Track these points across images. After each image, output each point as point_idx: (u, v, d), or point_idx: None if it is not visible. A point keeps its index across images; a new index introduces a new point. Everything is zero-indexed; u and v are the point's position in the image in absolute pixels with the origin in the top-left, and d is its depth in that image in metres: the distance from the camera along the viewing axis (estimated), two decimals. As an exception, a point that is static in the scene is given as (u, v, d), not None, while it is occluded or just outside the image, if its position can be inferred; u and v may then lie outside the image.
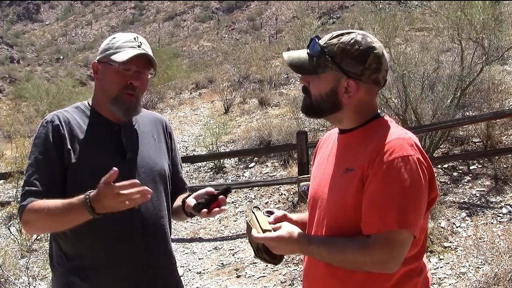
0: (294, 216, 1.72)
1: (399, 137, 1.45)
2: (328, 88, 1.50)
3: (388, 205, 1.38)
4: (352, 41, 1.47)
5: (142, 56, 1.81)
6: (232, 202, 7.47)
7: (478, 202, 5.74)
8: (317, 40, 1.52)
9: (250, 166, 8.65)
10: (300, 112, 1.74)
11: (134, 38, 1.85)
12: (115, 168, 1.56)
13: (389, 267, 1.40)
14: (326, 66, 1.49)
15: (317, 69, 1.50)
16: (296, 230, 1.49)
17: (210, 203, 1.75)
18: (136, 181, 1.59)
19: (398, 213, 1.37)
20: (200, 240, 6.32)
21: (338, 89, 1.50)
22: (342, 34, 1.51)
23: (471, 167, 6.59)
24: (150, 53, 1.85)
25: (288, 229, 1.49)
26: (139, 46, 1.82)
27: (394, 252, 1.38)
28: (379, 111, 1.57)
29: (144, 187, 1.59)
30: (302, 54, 1.55)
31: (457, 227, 5.21)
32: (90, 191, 1.63)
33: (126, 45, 1.82)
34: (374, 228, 1.39)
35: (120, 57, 1.78)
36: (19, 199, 1.81)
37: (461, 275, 4.27)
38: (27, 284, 4.43)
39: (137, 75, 1.82)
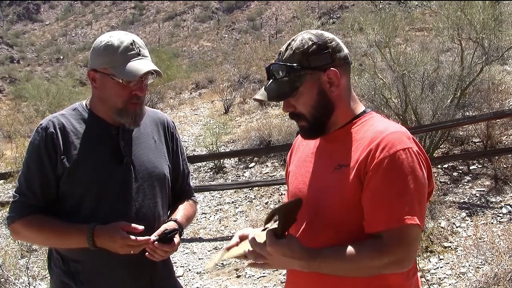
0: (251, 230, 1.62)
1: (396, 131, 1.43)
2: (314, 94, 1.48)
3: (394, 200, 1.35)
4: (303, 41, 1.48)
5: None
6: (232, 202, 7.47)
7: (478, 202, 5.74)
8: (277, 62, 1.50)
9: (250, 166, 8.65)
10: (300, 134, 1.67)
11: (131, 44, 1.74)
12: (140, 227, 1.70)
13: (406, 265, 1.37)
14: (301, 76, 1.47)
15: (295, 84, 1.47)
16: (295, 243, 1.36)
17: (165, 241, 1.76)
18: (150, 239, 1.71)
19: (405, 207, 1.34)
20: (200, 240, 6.32)
21: (323, 88, 1.48)
22: (289, 44, 1.51)
23: (471, 167, 6.59)
24: (149, 56, 1.80)
25: (288, 241, 1.37)
26: (138, 54, 1.74)
27: (410, 248, 1.36)
28: (364, 108, 1.57)
29: (155, 244, 1.73)
30: (272, 85, 1.51)
31: (457, 227, 5.21)
32: (94, 224, 1.69)
33: (127, 56, 1.72)
34: (381, 225, 1.35)
35: (126, 75, 1.71)
36: (10, 205, 1.81)
37: (461, 275, 4.27)
38: (27, 284, 4.43)
39: (140, 85, 1.76)
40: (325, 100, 1.49)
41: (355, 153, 1.44)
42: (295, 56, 1.47)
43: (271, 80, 1.51)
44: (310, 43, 1.47)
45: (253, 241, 1.39)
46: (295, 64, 1.46)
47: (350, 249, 1.35)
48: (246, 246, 1.49)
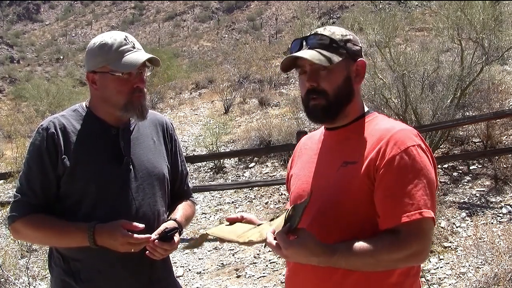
0: (254, 217, 1.65)
1: (404, 128, 1.47)
2: (342, 76, 1.52)
3: (409, 195, 1.37)
4: (341, 30, 1.56)
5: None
6: (232, 202, 7.48)
7: (478, 202, 5.74)
8: (319, 33, 1.53)
9: (250, 166, 8.65)
10: (307, 116, 1.59)
11: (125, 39, 1.78)
12: (141, 225, 1.71)
13: (423, 258, 1.40)
14: (339, 53, 1.50)
15: (333, 58, 1.49)
16: (310, 240, 1.34)
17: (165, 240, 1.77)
18: (150, 237, 1.72)
19: (421, 201, 1.37)
20: (200, 240, 6.32)
21: (350, 75, 1.53)
22: (324, 28, 1.56)
23: (471, 167, 6.59)
24: (143, 50, 1.82)
25: (303, 237, 1.36)
26: (133, 47, 1.78)
27: (426, 241, 1.38)
28: (368, 108, 1.61)
29: (155, 242, 1.73)
30: (311, 50, 1.50)
31: (457, 227, 5.21)
32: (95, 222, 1.71)
33: (122, 50, 1.75)
34: (397, 219, 1.37)
35: (125, 67, 1.73)
36: (10, 205, 1.82)
37: (461, 275, 4.27)
38: (27, 284, 4.43)
39: (140, 76, 1.79)
40: (349, 87, 1.53)
41: (362, 150, 1.46)
42: (336, 36, 1.52)
43: (307, 48, 1.51)
44: (347, 33, 1.55)
45: (270, 245, 1.37)
46: (335, 41, 1.50)
47: (367, 243, 1.36)
48: (243, 234, 1.50)
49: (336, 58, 1.48)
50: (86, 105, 1.88)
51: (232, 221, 1.61)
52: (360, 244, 1.36)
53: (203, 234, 1.61)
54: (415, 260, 1.40)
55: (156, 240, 1.73)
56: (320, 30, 1.54)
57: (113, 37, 1.78)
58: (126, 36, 1.80)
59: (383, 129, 1.47)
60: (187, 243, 1.73)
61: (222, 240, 1.55)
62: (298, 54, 1.50)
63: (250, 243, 1.46)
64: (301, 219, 1.35)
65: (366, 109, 1.59)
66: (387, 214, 1.39)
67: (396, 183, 1.39)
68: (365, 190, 1.42)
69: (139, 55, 1.76)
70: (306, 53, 1.49)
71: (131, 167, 1.82)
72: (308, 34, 1.56)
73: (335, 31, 1.53)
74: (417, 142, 1.43)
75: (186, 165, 2.10)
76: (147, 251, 1.75)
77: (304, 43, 1.53)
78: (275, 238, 1.35)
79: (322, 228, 1.46)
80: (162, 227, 1.79)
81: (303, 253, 1.33)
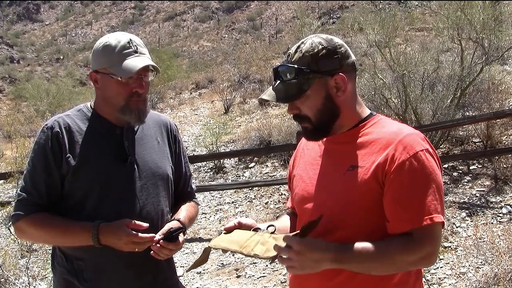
0: (252, 221, 1.63)
1: (411, 132, 1.46)
2: (321, 98, 1.49)
3: (420, 200, 1.38)
4: (314, 45, 1.49)
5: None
6: (232, 202, 7.48)
7: (478, 202, 5.74)
8: (285, 64, 1.50)
9: (250, 166, 8.65)
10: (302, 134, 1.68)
11: (128, 42, 1.78)
12: (145, 225, 1.70)
13: (433, 260, 1.41)
14: (309, 79, 1.47)
15: (303, 87, 1.47)
16: (321, 240, 1.37)
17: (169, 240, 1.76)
18: (154, 237, 1.72)
19: (431, 206, 1.38)
20: (200, 240, 6.32)
21: (330, 93, 1.49)
22: (298, 47, 1.51)
23: (471, 167, 6.59)
24: (147, 54, 1.82)
25: (311, 240, 1.37)
26: (135, 51, 1.77)
27: (437, 245, 1.40)
28: (370, 111, 1.58)
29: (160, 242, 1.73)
30: (279, 86, 1.51)
31: (457, 227, 5.21)
32: (99, 221, 1.71)
33: (124, 54, 1.75)
34: (409, 224, 1.37)
35: (123, 72, 1.73)
36: (14, 204, 1.82)
37: (461, 275, 4.27)
38: (27, 284, 4.43)
39: (140, 81, 1.79)
40: (331, 105, 1.50)
41: (369, 155, 1.45)
42: (304, 59, 1.48)
43: (278, 81, 1.51)
44: (320, 47, 1.48)
45: (281, 260, 1.37)
46: (304, 67, 1.47)
47: (379, 245, 1.37)
48: (244, 243, 1.50)
49: (306, 86, 1.47)
50: (91, 105, 1.90)
51: (230, 230, 1.61)
52: (372, 246, 1.36)
53: (206, 248, 1.61)
54: (425, 262, 1.41)
55: (161, 240, 1.74)
56: (292, 52, 1.51)
57: (117, 39, 1.78)
58: (130, 39, 1.79)
59: (390, 133, 1.46)
60: (192, 264, 1.72)
61: (225, 251, 1.56)
62: (263, 96, 1.52)
63: (255, 257, 1.46)
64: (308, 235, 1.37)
65: (367, 112, 1.57)
66: (397, 219, 1.39)
67: (406, 188, 1.39)
68: (373, 194, 1.42)
69: (138, 61, 1.75)
70: (271, 95, 1.51)
71: (135, 166, 1.83)
72: (279, 64, 1.55)
73: (306, 51, 1.48)
74: (425, 146, 1.43)
75: (190, 167, 2.11)
76: (152, 251, 1.75)
77: (279, 71, 1.52)
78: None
79: (328, 230, 1.46)
80: (167, 227, 1.79)
81: (313, 247, 1.34)
